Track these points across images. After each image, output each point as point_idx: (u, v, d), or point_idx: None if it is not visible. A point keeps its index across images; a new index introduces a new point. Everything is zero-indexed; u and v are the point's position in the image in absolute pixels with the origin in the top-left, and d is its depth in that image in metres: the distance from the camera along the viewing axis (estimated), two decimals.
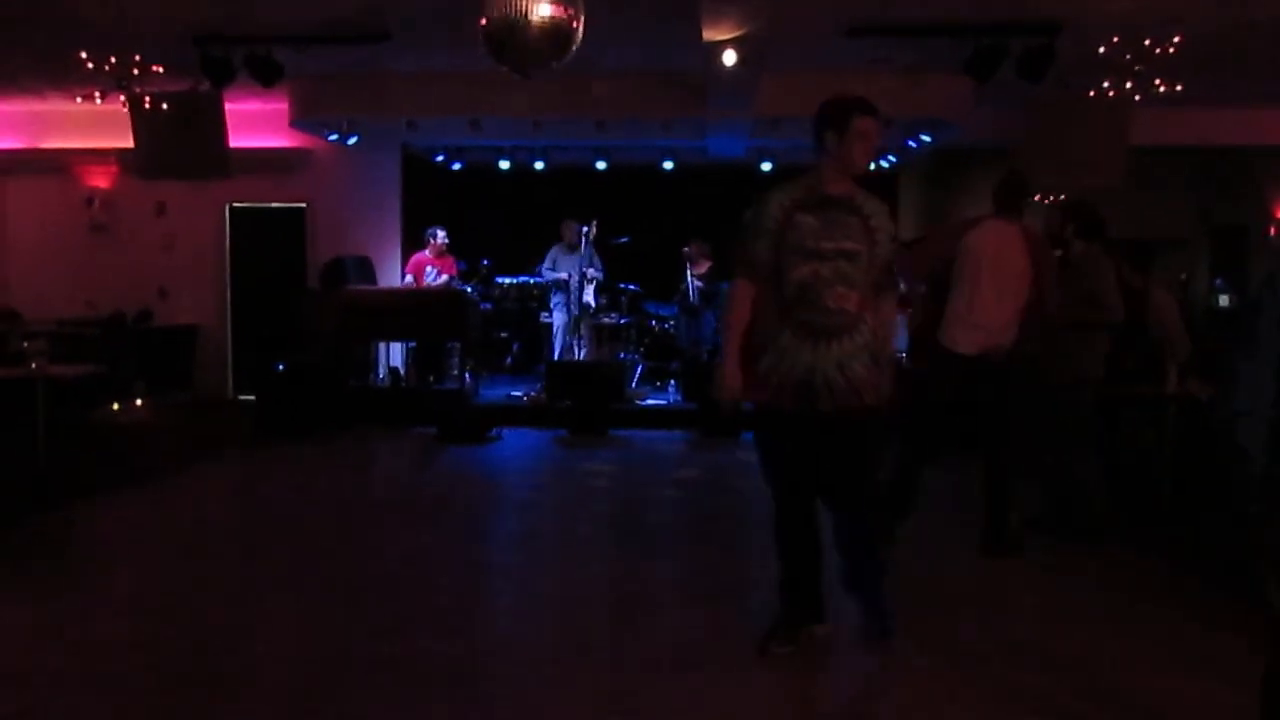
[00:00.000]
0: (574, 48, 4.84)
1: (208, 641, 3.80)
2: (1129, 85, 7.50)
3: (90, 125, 9.82)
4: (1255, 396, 2.45)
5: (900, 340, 6.06)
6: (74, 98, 8.53)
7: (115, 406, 9.18)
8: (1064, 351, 5.04)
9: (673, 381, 9.99)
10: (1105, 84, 7.60)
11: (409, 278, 9.85)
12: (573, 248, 9.98)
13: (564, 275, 9.98)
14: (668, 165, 11.26)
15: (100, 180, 10.79)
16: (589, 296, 9.98)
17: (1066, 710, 3.20)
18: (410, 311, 9.43)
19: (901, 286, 3.99)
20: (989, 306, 4.74)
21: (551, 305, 10.29)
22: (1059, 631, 3.94)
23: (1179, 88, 7.57)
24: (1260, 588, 2.50)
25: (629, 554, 5.11)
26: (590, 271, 9.94)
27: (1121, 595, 4.45)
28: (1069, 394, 5.13)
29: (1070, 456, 5.17)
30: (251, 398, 9.30)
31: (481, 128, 9.48)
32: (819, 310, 3.40)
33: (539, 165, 11.41)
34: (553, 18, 4.66)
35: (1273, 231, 10.96)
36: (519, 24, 4.66)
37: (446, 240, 9.87)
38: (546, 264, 10.17)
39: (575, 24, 4.76)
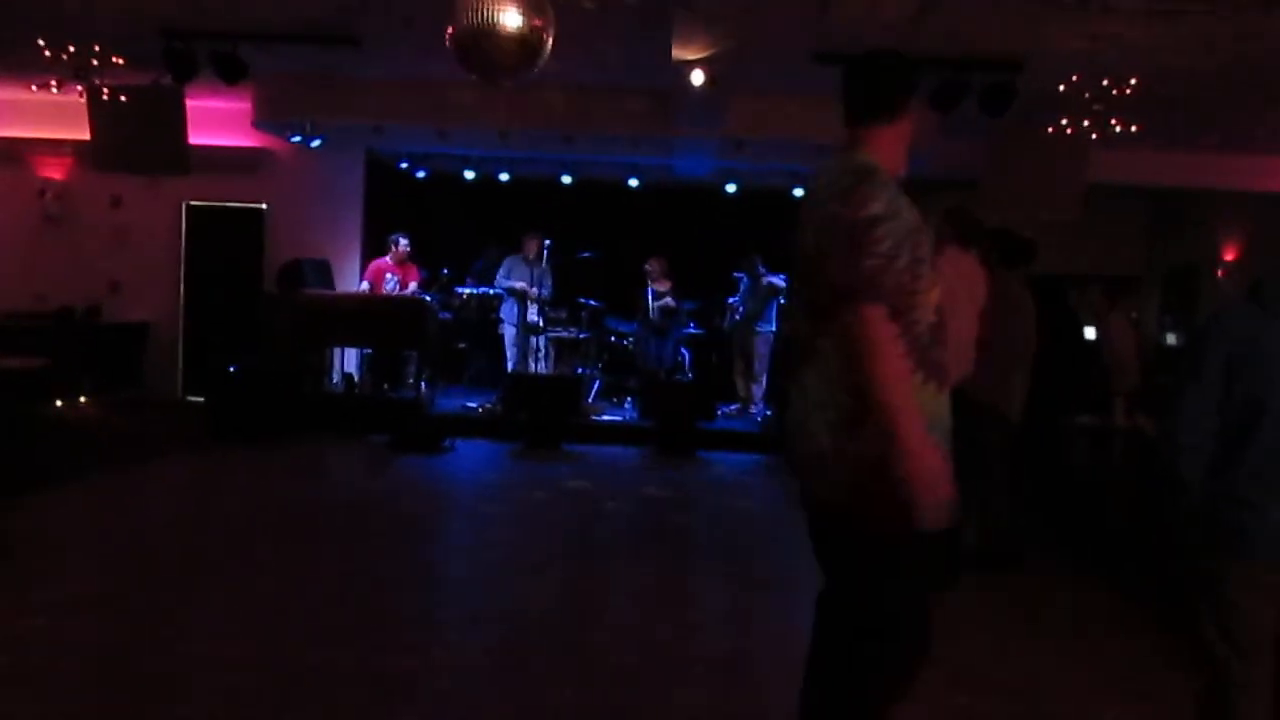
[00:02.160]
0: (543, 59, 4.86)
1: (140, 644, 3.72)
2: (1087, 123, 7.68)
3: (46, 115, 9.64)
4: (1197, 430, 2.51)
5: None
6: (30, 86, 8.38)
7: (59, 403, 8.98)
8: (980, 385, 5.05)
9: (630, 398, 9.99)
10: (1064, 121, 7.77)
11: (366, 284, 9.77)
12: (531, 262, 9.95)
13: (519, 284, 9.93)
14: (633, 182, 11.30)
15: (54, 171, 10.60)
16: (535, 315, 9.94)
17: None
18: (368, 318, 9.36)
19: None
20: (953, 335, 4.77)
21: (504, 319, 10.23)
22: (1002, 658, 3.98)
23: (1135, 128, 7.76)
24: (1194, 615, 2.55)
25: (581, 568, 5.10)
26: (534, 290, 9.87)
27: (1064, 623, 4.51)
28: (983, 428, 5.12)
29: (985, 490, 5.18)
30: (202, 399, 9.15)
31: (448, 137, 9.45)
32: (943, 349, 2.37)
33: (504, 177, 11.41)
34: (522, 28, 4.67)
35: (1221, 274, 11.22)
36: (488, 33, 4.67)
37: (409, 248, 9.81)
38: (502, 272, 10.10)
39: (545, 35, 4.77)
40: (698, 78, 6.82)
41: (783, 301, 10.09)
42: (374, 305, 9.45)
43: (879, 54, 2.51)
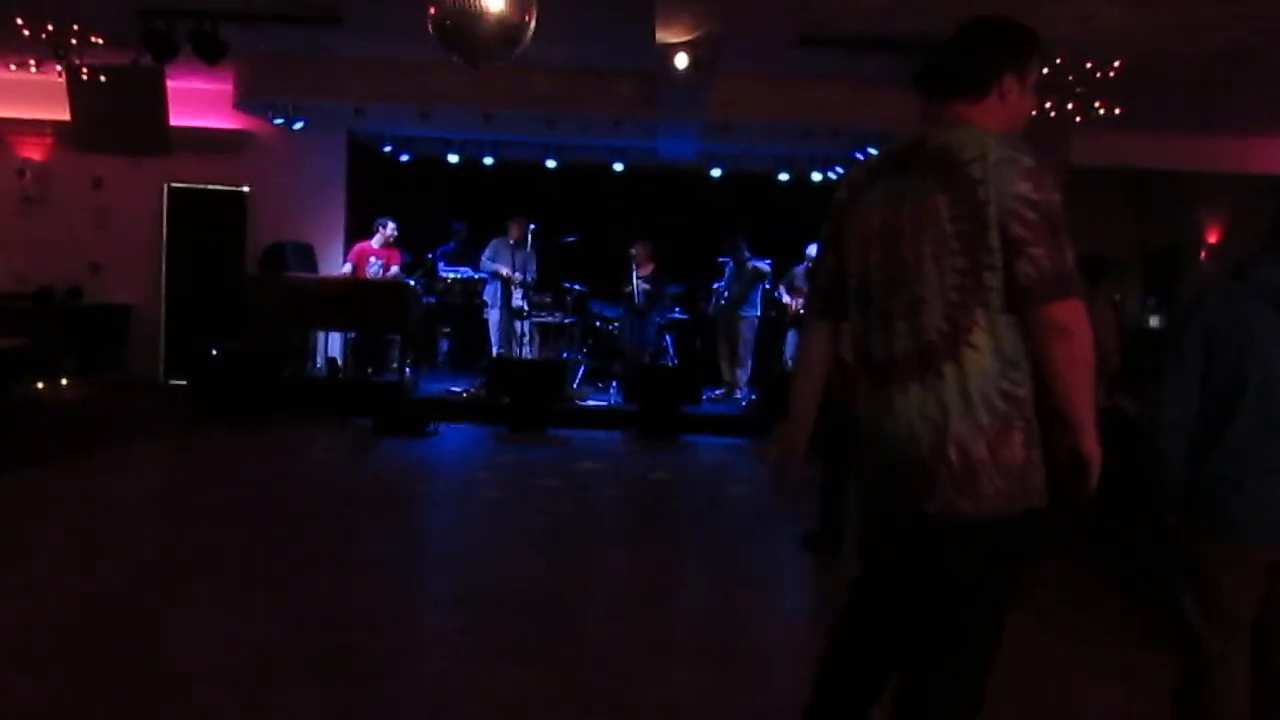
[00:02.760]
0: (526, 40, 4.81)
1: (117, 625, 3.69)
2: (1070, 106, 7.67)
3: (24, 94, 9.53)
4: (1178, 408, 2.51)
5: None
6: (8, 65, 8.27)
7: (40, 384, 8.90)
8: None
9: (614, 383, 9.98)
10: (1047, 104, 7.76)
11: (349, 265, 9.70)
12: (517, 245, 9.90)
13: (504, 269, 9.89)
14: (618, 166, 11.25)
15: (33, 151, 10.47)
16: (520, 299, 9.90)
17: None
18: (351, 301, 9.29)
19: None
20: None
21: (487, 302, 10.19)
22: None
23: (1118, 111, 7.76)
24: (1173, 593, 2.56)
25: (563, 551, 5.10)
26: (517, 274, 9.83)
27: (1041, 601, 4.53)
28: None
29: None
30: (184, 382, 9.08)
31: (431, 118, 9.40)
32: None
33: (488, 160, 11.34)
34: (504, 9, 4.63)
35: (1203, 255, 11.28)
36: (470, 13, 4.62)
37: (395, 233, 9.74)
38: (487, 255, 10.05)
39: (528, 16, 4.72)
40: (681, 61, 6.78)
41: (767, 286, 10.10)
42: (356, 288, 9.39)
43: (998, 19, 2.30)
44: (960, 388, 2.04)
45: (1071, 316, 2.01)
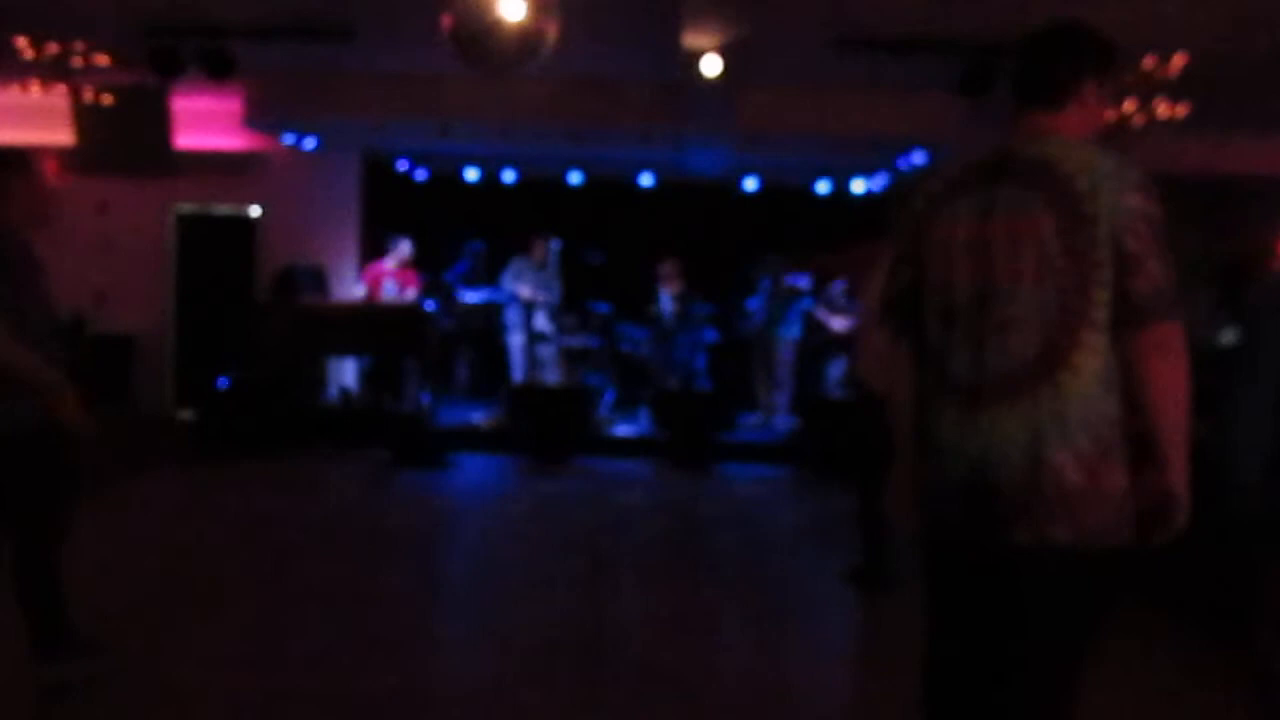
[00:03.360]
0: (547, 49, 4.86)
1: (123, 666, 3.71)
2: (1129, 107, 7.61)
3: (27, 117, 9.71)
4: (1253, 428, 2.47)
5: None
6: (10, 87, 8.46)
7: None
8: None
9: (644, 409, 9.96)
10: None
11: (363, 288, 9.79)
12: (540, 265, 9.94)
13: (526, 290, 9.91)
14: (645, 180, 11.30)
15: None
16: (543, 323, 9.93)
17: None
18: (365, 326, 9.36)
19: None
20: None
21: (508, 325, 10.22)
22: None
23: (1182, 112, 7.68)
24: (1250, 627, 2.51)
25: (590, 591, 5.10)
26: (540, 296, 9.86)
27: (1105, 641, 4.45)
28: None
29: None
30: (192, 414, 9.18)
31: (449, 134, 9.47)
32: None
33: (509, 177, 11.42)
34: (524, 18, 4.68)
35: (1277, 264, 11.11)
36: (488, 23, 4.68)
37: (411, 253, 9.81)
38: (510, 274, 10.05)
39: (547, 25, 4.78)
40: (711, 66, 6.81)
41: (807, 306, 10.06)
42: (371, 312, 9.47)
43: (1075, 25, 2.33)
44: (1059, 411, 2.04)
45: (1176, 338, 2.04)
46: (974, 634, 2.24)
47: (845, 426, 8.24)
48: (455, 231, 11.44)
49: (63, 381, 3.44)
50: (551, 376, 9.95)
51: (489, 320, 10.48)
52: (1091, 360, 2.05)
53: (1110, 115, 1.94)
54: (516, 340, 10.20)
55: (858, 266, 5.23)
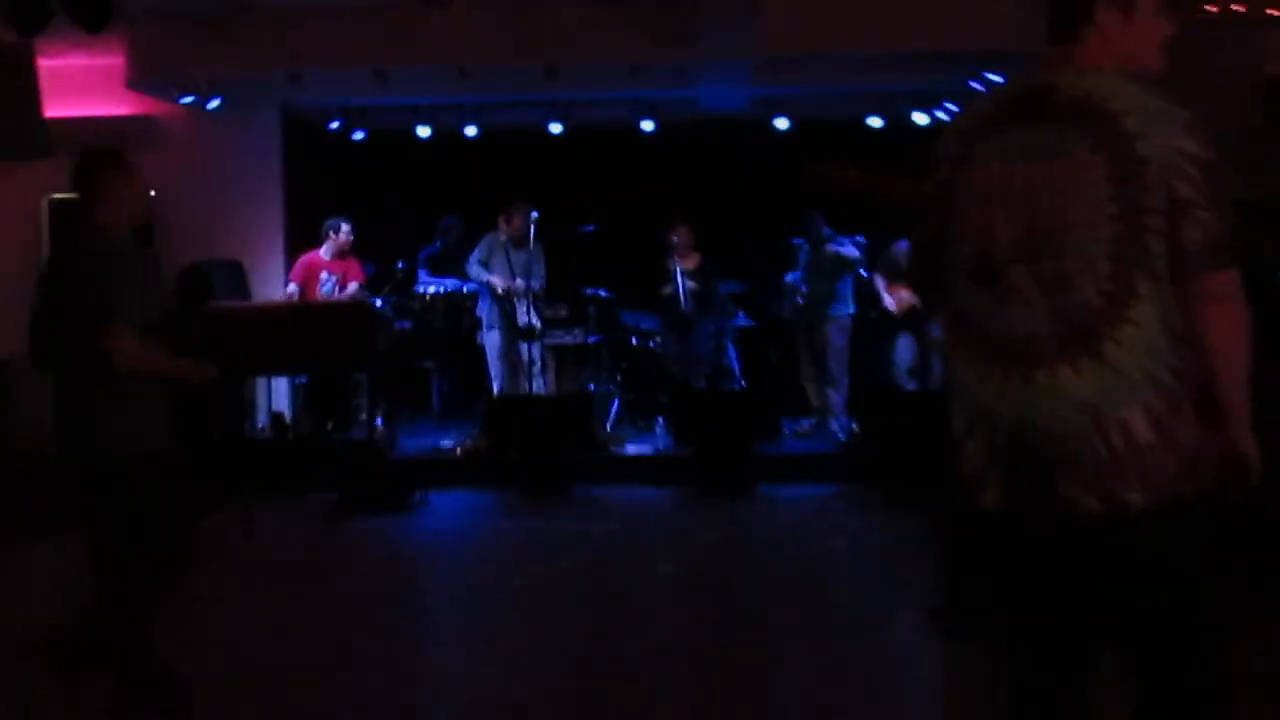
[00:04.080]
0: None
1: None
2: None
3: None
4: None
5: None
6: None
7: None
8: None
9: (661, 419, 9.92)
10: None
11: (294, 286, 9.76)
12: (515, 243, 9.89)
13: (498, 278, 9.84)
14: (647, 125, 11.24)
15: None
16: (526, 315, 9.86)
17: None
18: (299, 334, 9.31)
19: None
20: None
21: (483, 320, 10.16)
22: None
23: None
24: None
25: (604, 657, 5.10)
26: (519, 283, 9.80)
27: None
28: None
29: None
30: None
31: (389, 81, 9.44)
32: None
33: (471, 131, 11.38)
34: None
35: None
36: None
37: (351, 236, 9.79)
38: (475, 257, 9.97)
39: None
40: None
41: (865, 274, 9.98)
42: (305, 316, 9.46)
43: None
44: (1121, 367, 2.31)
45: (1233, 287, 2.34)
46: (1059, 637, 2.58)
47: (922, 426, 8.19)
48: (408, 204, 11.44)
49: (195, 363, 4.56)
50: (540, 384, 9.92)
51: (457, 317, 10.46)
52: (1152, 311, 2.31)
53: (1169, 29, 2.26)
54: (492, 340, 10.16)
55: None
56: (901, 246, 9.55)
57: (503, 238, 9.91)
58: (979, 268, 2.45)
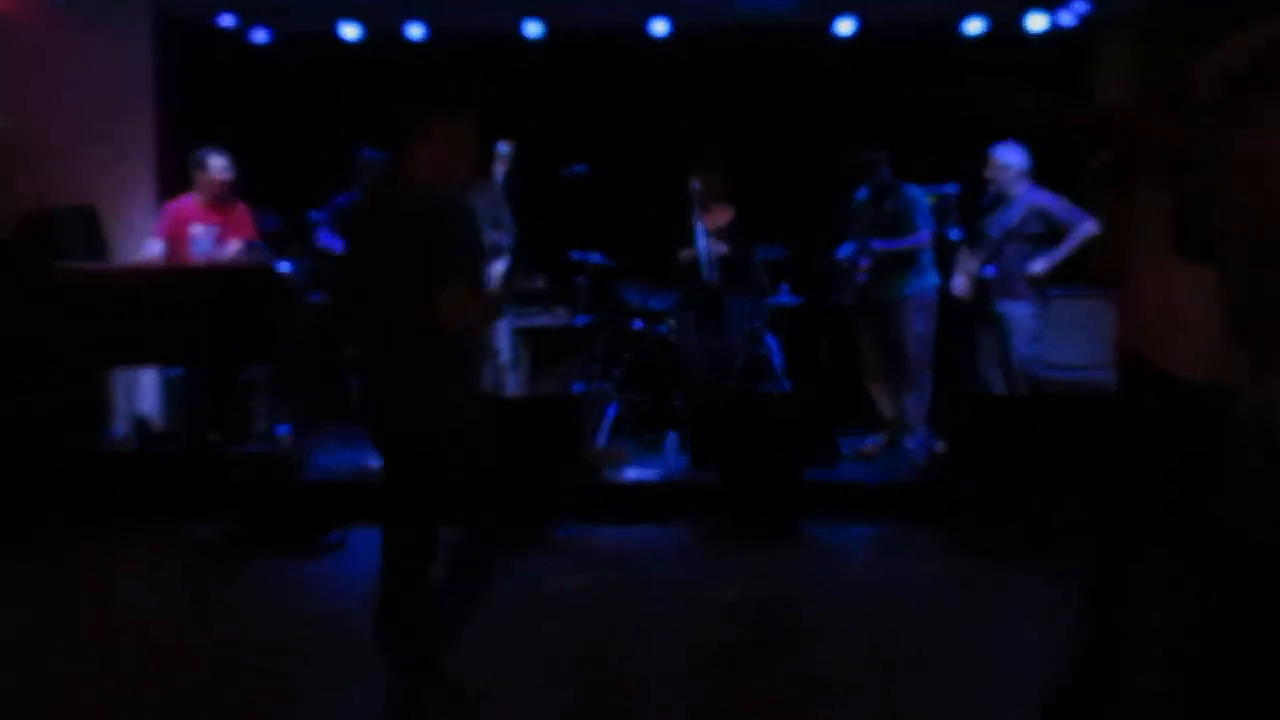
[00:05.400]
0: None
1: None
2: None
3: None
4: None
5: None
6: None
7: None
8: None
9: (672, 433, 9.91)
10: None
11: (158, 244, 9.71)
12: (480, 187, 9.86)
13: None
14: (659, 27, 11.28)
15: None
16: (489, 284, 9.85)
17: None
18: (174, 309, 9.30)
19: None
20: None
21: None
22: None
23: None
24: None
25: None
26: (493, 235, 9.80)
27: None
28: None
29: None
30: None
31: None
32: None
33: (416, 32, 11.39)
34: None
35: None
36: None
37: (230, 174, 9.72)
38: None
39: None
40: None
41: (957, 234, 9.90)
42: (181, 285, 9.41)
43: None
44: None
45: None
46: None
47: (1034, 446, 8.16)
48: (329, 132, 11.41)
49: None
50: (509, 382, 9.90)
51: None
52: None
53: None
54: None
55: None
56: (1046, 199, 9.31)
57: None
58: (1257, 250, 2.67)
